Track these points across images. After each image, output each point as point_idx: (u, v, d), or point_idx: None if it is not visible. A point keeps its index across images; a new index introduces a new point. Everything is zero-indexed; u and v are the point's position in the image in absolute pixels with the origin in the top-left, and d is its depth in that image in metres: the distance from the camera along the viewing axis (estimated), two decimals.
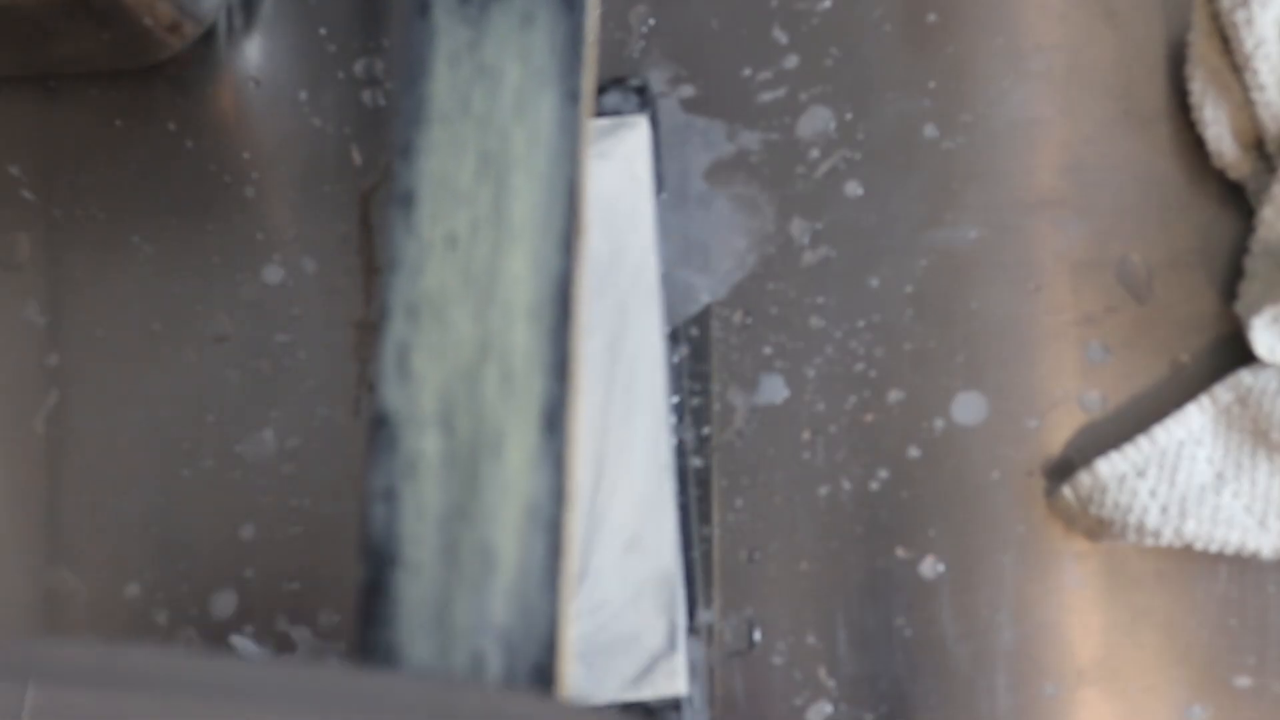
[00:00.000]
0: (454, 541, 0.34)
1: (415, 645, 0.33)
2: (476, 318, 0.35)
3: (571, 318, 0.35)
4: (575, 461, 0.35)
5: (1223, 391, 0.50)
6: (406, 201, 0.36)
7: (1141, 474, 0.50)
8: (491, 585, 0.33)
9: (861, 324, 0.52)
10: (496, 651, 0.33)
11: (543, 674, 0.33)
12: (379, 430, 0.35)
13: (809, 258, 0.53)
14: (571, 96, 0.37)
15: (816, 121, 0.53)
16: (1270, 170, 0.51)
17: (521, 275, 0.35)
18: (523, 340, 0.35)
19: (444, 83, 0.37)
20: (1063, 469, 0.51)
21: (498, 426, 0.34)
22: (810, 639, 0.51)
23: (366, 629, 0.34)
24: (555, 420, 0.34)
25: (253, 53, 0.55)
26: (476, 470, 0.34)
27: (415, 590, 0.34)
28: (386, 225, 0.36)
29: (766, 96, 0.53)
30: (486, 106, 0.36)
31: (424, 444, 0.34)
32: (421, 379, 0.35)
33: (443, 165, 0.36)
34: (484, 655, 0.33)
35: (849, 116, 0.53)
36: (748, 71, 0.54)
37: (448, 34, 0.37)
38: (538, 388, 0.35)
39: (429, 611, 0.33)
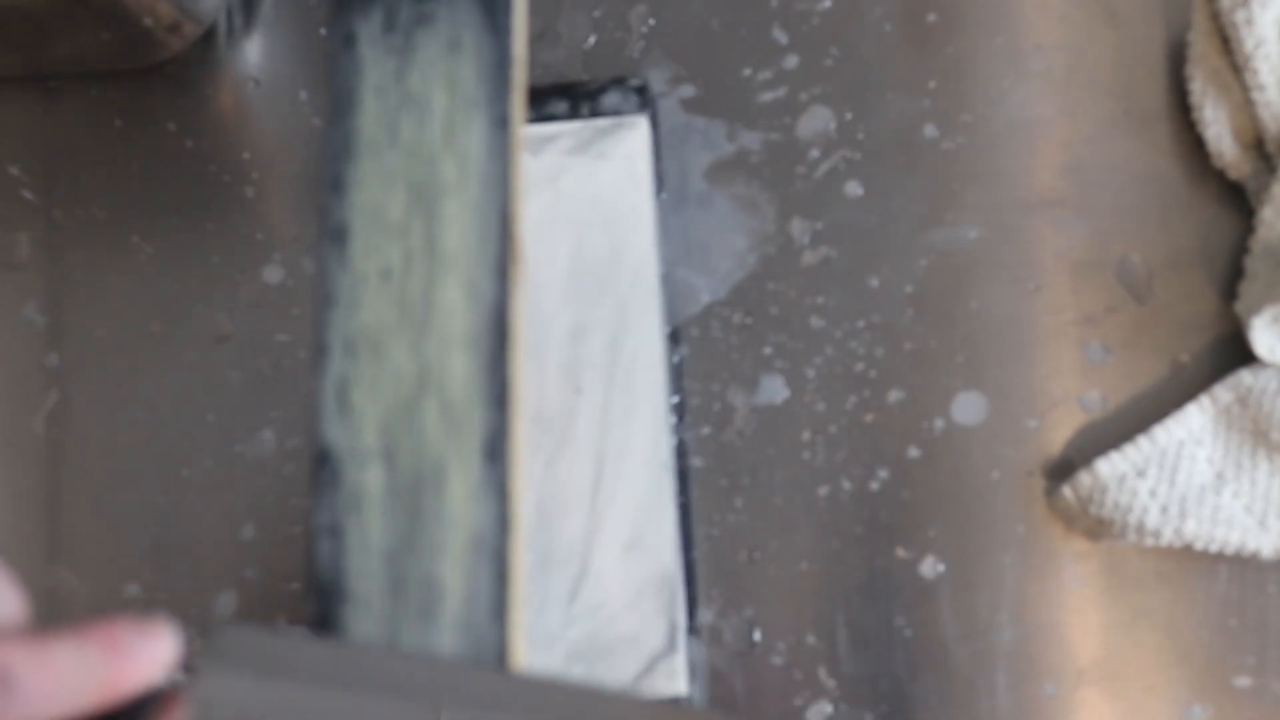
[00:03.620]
0: (400, 575, 0.34)
1: None
2: (414, 350, 0.35)
3: (509, 346, 0.35)
4: (518, 489, 0.35)
5: (1223, 391, 0.50)
6: (339, 236, 0.36)
7: (1141, 474, 0.50)
8: (439, 617, 0.34)
9: (861, 324, 0.52)
10: None
11: None
12: (322, 467, 0.35)
13: (809, 258, 0.53)
14: (500, 121, 0.37)
15: (816, 121, 0.53)
16: (1270, 170, 0.51)
17: (457, 305, 0.36)
18: (461, 371, 0.35)
19: (372, 114, 0.37)
20: (1063, 469, 0.51)
21: (439, 458, 0.35)
22: (810, 639, 0.51)
23: None
24: (496, 450, 0.35)
25: (253, 53, 0.55)
26: (420, 503, 0.34)
27: (364, 624, 0.34)
28: (320, 261, 0.36)
29: (766, 96, 0.53)
30: (415, 136, 0.37)
31: (367, 479, 0.35)
32: (362, 414, 0.35)
33: (374, 198, 0.36)
34: None
35: (849, 116, 0.53)
36: (748, 71, 0.54)
37: (374, 65, 0.37)
38: (477, 418, 0.35)
39: (379, 645, 0.34)
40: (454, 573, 0.34)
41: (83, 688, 0.28)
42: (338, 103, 0.37)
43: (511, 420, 0.35)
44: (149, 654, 0.29)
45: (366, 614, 0.34)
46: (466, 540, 0.34)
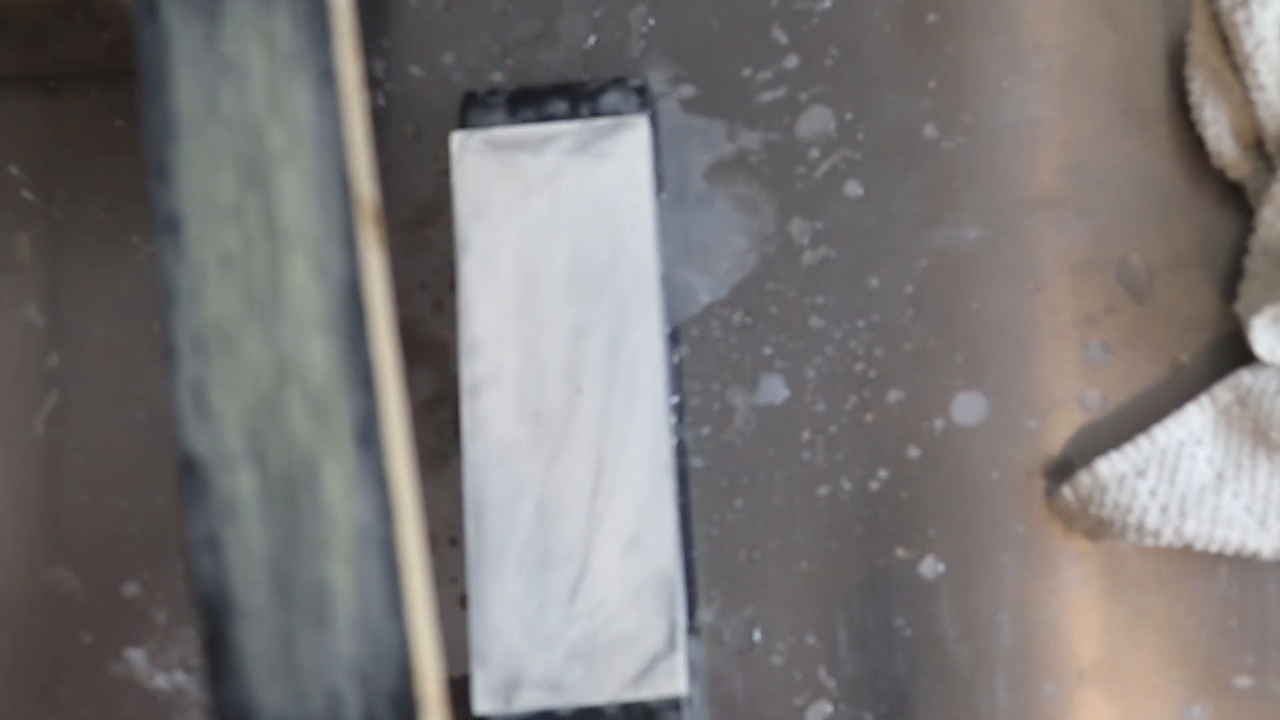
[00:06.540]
0: (287, 580, 0.32)
1: (267, 695, 0.32)
2: (268, 340, 0.33)
3: (369, 322, 0.33)
4: (400, 475, 0.33)
5: (1223, 391, 0.50)
6: (171, 226, 0.33)
7: (1141, 474, 0.50)
8: (333, 619, 0.32)
9: (861, 324, 0.52)
10: (351, 687, 0.32)
11: (402, 702, 0.31)
12: (189, 477, 0.32)
13: (809, 258, 0.53)
14: (326, 76, 0.33)
15: (816, 121, 0.53)
16: (1270, 170, 0.51)
17: (307, 285, 0.33)
18: (320, 356, 0.33)
19: (187, 88, 0.33)
20: (1063, 469, 0.51)
21: (310, 452, 0.32)
22: (810, 639, 0.51)
23: (216, 685, 0.32)
24: (369, 435, 0.32)
25: None
26: (297, 502, 0.32)
27: (256, 637, 0.32)
28: (156, 255, 0.33)
29: (766, 96, 0.53)
30: (237, 106, 0.33)
31: (238, 484, 0.32)
32: (222, 415, 0.32)
33: (202, 180, 0.33)
34: (339, 693, 0.32)
35: (849, 116, 0.53)
36: (748, 71, 0.54)
37: (182, 32, 0.34)
38: (344, 404, 0.32)
39: (274, 657, 0.32)
40: (342, 571, 0.32)
41: None
42: (148, 80, 0.33)
43: (382, 401, 0.33)
44: None
45: (257, 626, 0.32)
46: (350, 535, 0.32)
